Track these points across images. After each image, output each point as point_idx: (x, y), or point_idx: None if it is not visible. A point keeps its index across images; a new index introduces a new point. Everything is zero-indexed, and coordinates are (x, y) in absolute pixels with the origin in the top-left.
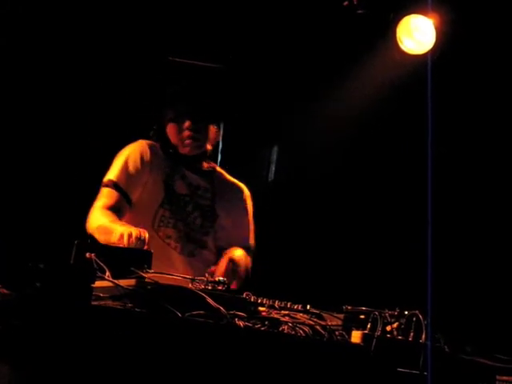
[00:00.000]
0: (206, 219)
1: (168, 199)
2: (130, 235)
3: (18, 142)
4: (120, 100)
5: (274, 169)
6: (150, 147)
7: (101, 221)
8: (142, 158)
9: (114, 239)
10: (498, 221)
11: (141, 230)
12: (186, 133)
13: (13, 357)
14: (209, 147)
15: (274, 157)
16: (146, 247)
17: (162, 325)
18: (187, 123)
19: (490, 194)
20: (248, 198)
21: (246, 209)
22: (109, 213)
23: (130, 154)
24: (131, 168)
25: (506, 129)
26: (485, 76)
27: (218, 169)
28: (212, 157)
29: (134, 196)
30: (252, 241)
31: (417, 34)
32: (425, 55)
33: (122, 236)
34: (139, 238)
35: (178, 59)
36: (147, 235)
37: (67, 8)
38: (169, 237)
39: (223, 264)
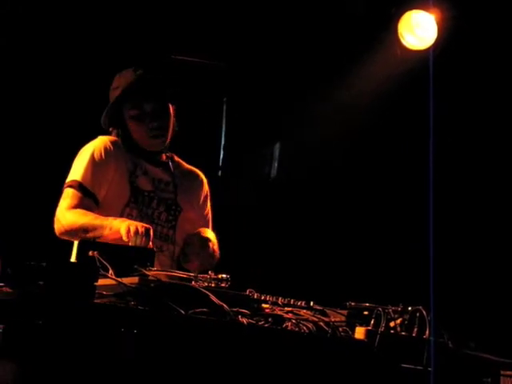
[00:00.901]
0: (170, 213)
1: (134, 198)
2: (136, 231)
3: (19, 139)
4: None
5: (276, 166)
6: (112, 143)
7: (83, 219)
8: (106, 155)
9: (107, 232)
10: (501, 216)
11: (144, 224)
12: (149, 123)
13: (17, 354)
14: (170, 136)
15: (277, 154)
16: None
17: (166, 323)
18: (148, 107)
19: (493, 188)
20: (205, 184)
21: (206, 197)
22: (85, 211)
23: (94, 151)
24: (95, 166)
25: (507, 123)
26: (486, 71)
27: (176, 158)
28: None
29: (100, 195)
30: (210, 228)
31: (418, 30)
32: (426, 51)
33: (128, 231)
34: (146, 234)
35: (179, 57)
36: (152, 230)
37: (68, 6)
38: None
39: (196, 242)
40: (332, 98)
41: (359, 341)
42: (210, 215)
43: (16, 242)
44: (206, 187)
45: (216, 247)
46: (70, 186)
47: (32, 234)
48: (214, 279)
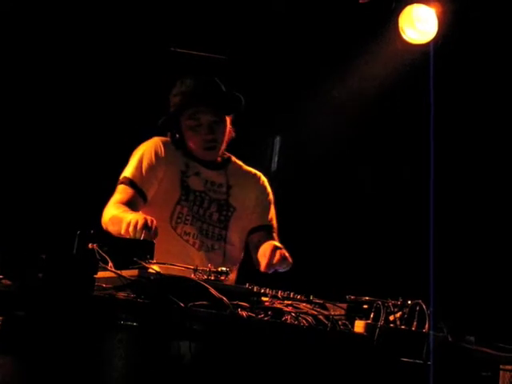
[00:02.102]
0: (222, 214)
1: (185, 196)
2: (135, 225)
3: (25, 134)
4: (130, 97)
5: (276, 159)
6: (165, 144)
7: (113, 213)
8: (156, 155)
9: (123, 226)
10: (499, 211)
11: (148, 218)
12: (205, 136)
13: (16, 347)
14: (224, 145)
15: (277, 147)
16: (153, 236)
17: (165, 315)
18: (205, 121)
19: (493, 184)
20: (264, 183)
21: (261, 195)
22: (121, 205)
23: (145, 152)
24: (146, 165)
25: (506, 118)
26: (487, 65)
27: (234, 159)
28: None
29: (150, 192)
30: (275, 225)
31: (419, 24)
32: (427, 45)
33: (128, 225)
34: (146, 227)
35: (180, 50)
36: (155, 223)
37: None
38: (187, 234)
39: (269, 253)
40: (333, 92)
41: (359, 334)
42: (272, 213)
43: (18, 232)
44: (264, 187)
45: (285, 252)
46: (122, 183)
47: (34, 225)
48: (214, 272)
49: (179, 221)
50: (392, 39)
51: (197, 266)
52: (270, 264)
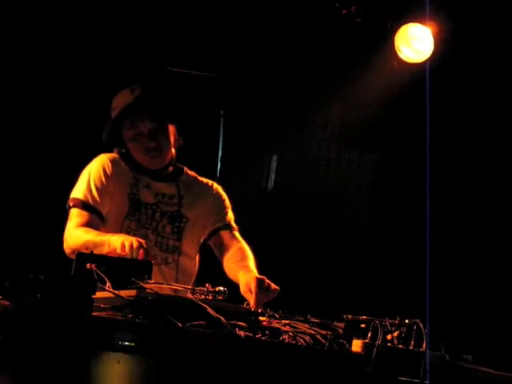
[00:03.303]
0: (175, 225)
1: (133, 210)
2: (131, 245)
3: (19, 152)
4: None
5: (273, 178)
6: (112, 160)
7: (85, 237)
8: (105, 172)
9: (107, 249)
10: (496, 231)
11: (139, 239)
12: (146, 144)
13: (14, 367)
14: (173, 151)
15: (274, 166)
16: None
17: (163, 335)
18: (144, 129)
19: (488, 204)
20: (218, 190)
21: (216, 201)
22: (89, 229)
23: (92, 170)
24: (96, 183)
25: (503, 136)
26: (483, 84)
27: (186, 170)
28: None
29: (104, 210)
30: (234, 225)
31: (415, 43)
32: (423, 64)
33: (123, 246)
34: (141, 248)
35: (176, 69)
36: (146, 244)
37: (65, 16)
38: None
39: (255, 290)
40: (329, 110)
41: (356, 354)
42: (231, 217)
43: (15, 254)
44: (219, 194)
45: (269, 282)
46: (74, 206)
47: (31, 247)
48: (212, 292)
49: None
50: (388, 58)
51: (194, 286)
52: (259, 302)
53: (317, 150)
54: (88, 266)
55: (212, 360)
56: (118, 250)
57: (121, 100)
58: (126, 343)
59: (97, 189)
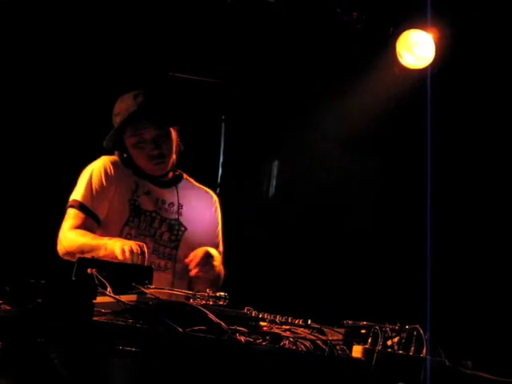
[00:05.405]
0: (173, 233)
1: (133, 217)
2: (131, 250)
3: (20, 156)
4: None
5: (274, 183)
6: (114, 163)
7: (81, 240)
8: (106, 175)
9: (103, 253)
10: (496, 238)
11: (138, 242)
12: (150, 151)
13: (15, 372)
14: (174, 158)
15: (275, 171)
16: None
17: (164, 340)
18: (148, 136)
19: (490, 211)
20: (216, 204)
21: (214, 217)
22: (85, 232)
23: (94, 172)
24: (96, 186)
25: (504, 141)
26: (484, 90)
27: (185, 176)
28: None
29: (102, 214)
30: (221, 248)
31: (416, 49)
32: (424, 70)
33: (123, 251)
34: (141, 252)
35: (178, 74)
36: (146, 248)
37: (68, 21)
38: None
39: (199, 254)
40: (330, 116)
41: (357, 359)
42: (219, 235)
43: (15, 259)
44: (215, 207)
45: (219, 263)
46: (72, 207)
47: (31, 252)
48: (212, 297)
49: None
50: (389, 64)
51: (195, 291)
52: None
53: (318, 156)
54: (89, 270)
55: (212, 365)
56: (119, 256)
57: (124, 105)
58: (127, 348)
59: (96, 192)
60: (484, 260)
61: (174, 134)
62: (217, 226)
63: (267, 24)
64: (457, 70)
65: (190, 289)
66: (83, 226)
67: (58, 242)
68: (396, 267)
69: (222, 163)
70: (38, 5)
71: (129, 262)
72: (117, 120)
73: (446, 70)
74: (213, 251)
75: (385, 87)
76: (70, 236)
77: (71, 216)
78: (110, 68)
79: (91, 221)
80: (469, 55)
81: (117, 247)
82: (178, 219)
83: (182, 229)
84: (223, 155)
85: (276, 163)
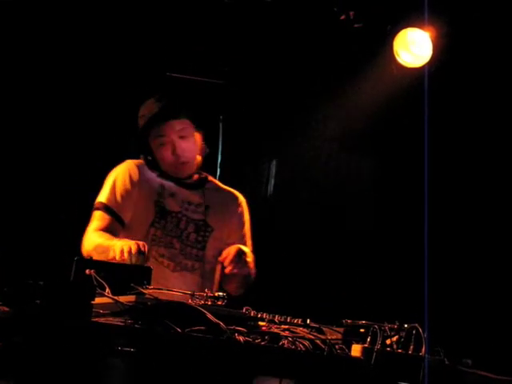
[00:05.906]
0: (200, 234)
1: (159, 218)
2: (129, 251)
3: (19, 158)
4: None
5: (273, 183)
6: (138, 166)
7: (97, 241)
8: (130, 178)
9: (112, 255)
10: (494, 236)
11: (139, 242)
12: (174, 154)
13: (14, 374)
14: (199, 159)
15: (274, 171)
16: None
17: (162, 341)
18: (171, 138)
19: (488, 210)
20: (242, 204)
21: (241, 217)
22: (103, 233)
23: (119, 175)
24: (121, 189)
25: (502, 140)
26: (481, 88)
27: (211, 178)
28: (203, 168)
29: (127, 217)
30: (250, 247)
31: (413, 48)
32: (422, 68)
33: (122, 251)
34: (140, 252)
35: (176, 75)
36: (147, 247)
37: (70, 24)
38: (162, 255)
39: (232, 251)
40: (328, 115)
41: (356, 358)
42: (248, 235)
43: (14, 260)
44: (242, 209)
45: (251, 260)
46: (97, 209)
47: (31, 252)
48: (211, 297)
49: (153, 243)
50: (387, 63)
51: (194, 292)
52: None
53: (316, 155)
54: (87, 271)
55: (211, 365)
56: (117, 257)
57: (146, 109)
58: (126, 349)
59: (121, 194)
60: (482, 259)
61: (198, 136)
62: (243, 226)
63: (265, 24)
64: (454, 69)
65: (221, 288)
66: (107, 228)
67: (82, 243)
68: (394, 266)
69: (220, 163)
70: (38, 6)
71: (127, 262)
72: (141, 123)
73: (444, 69)
74: (245, 248)
75: (382, 86)
76: (91, 237)
77: (96, 218)
78: (109, 68)
79: (116, 223)
80: (466, 54)
81: (117, 248)
82: (204, 220)
83: (209, 229)
84: (221, 155)
85: (274, 163)
